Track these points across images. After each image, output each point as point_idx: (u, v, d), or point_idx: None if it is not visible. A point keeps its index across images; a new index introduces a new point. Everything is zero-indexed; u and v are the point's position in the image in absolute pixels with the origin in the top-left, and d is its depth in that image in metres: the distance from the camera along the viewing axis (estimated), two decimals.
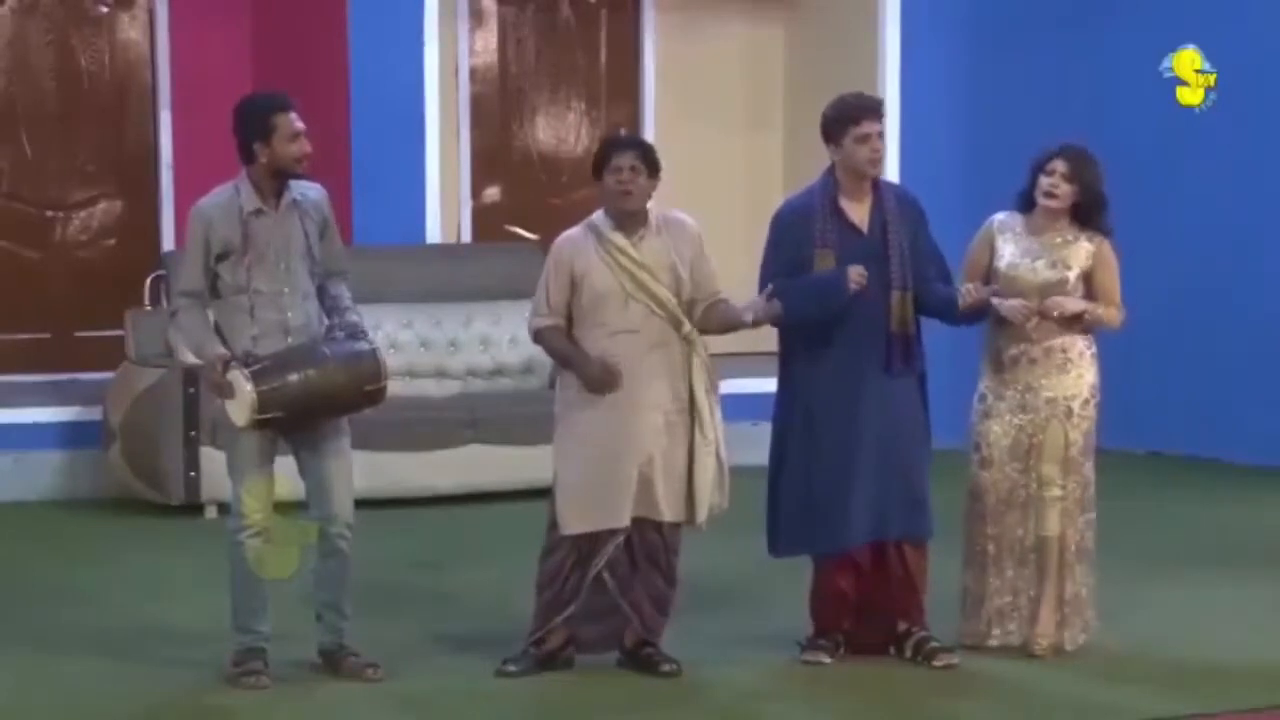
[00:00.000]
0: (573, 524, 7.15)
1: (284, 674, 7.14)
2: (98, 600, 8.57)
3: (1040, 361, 7.51)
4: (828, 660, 7.40)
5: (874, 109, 7.34)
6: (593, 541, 7.18)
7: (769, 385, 12.26)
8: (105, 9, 12.62)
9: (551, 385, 11.03)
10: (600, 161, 7.22)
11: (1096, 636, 7.65)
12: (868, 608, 7.47)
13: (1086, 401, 7.54)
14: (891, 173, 12.04)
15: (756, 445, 11.97)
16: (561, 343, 7.27)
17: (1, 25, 12.41)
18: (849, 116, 7.28)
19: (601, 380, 7.13)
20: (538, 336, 7.36)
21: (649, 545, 7.21)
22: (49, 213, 12.54)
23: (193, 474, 10.36)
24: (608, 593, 7.22)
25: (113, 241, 12.64)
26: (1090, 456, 7.60)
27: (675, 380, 7.20)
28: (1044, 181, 7.50)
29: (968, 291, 7.42)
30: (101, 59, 12.58)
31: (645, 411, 7.14)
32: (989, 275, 7.59)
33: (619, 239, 7.17)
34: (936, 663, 7.38)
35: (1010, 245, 7.52)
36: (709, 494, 7.24)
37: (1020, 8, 13.26)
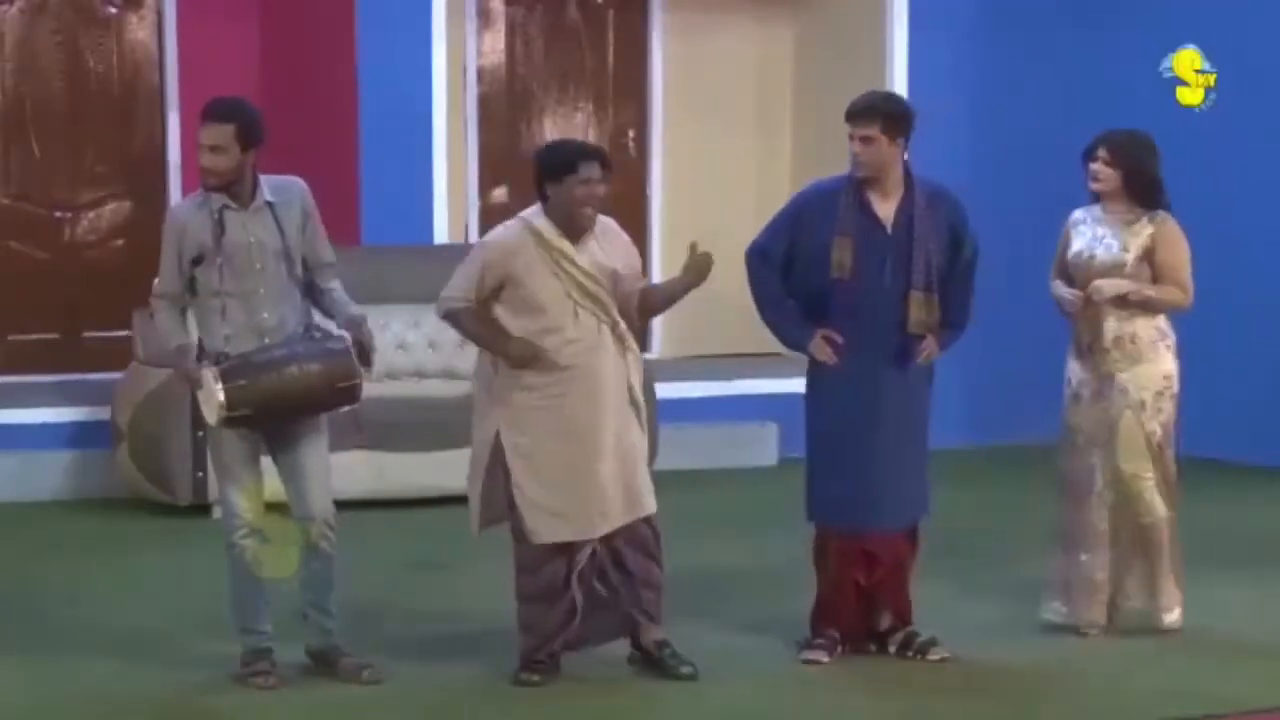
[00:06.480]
0: (547, 533, 7.08)
1: (283, 674, 7.15)
2: (105, 600, 8.60)
3: (1112, 350, 7.69)
4: (826, 659, 7.40)
5: (853, 114, 7.34)
6: (569, 550, 7.11)
7: (775, 385, 12.37)
8: (114, 10, 12.64)
9: None
10: (561, 168, 7.04)
11: (1106, 636, 7.76)
12: (870, 601, 7.49)
13: (1160, 393, 7.70)
14: None
15: (764, 445, 12.04)
16: (477, 324, 7.13)
17: (10, 26, 12.42)
18: (846, 117, 7.36)
19: (525, 357, 7.01)
20: (452, 317, 7.18)
21: (642, 540, 7.20)
22: (57, 213, 12.56)
23: (200, 474, 10.36)
24: (597, 592, 7.17)
25: (121, 242, 12.64)
26: (1171, 446, 7.77)
27: (620, 381, 7.16)
28: (1090, 169, 7.74)
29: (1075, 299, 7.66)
30: (110, 60, 12.59)
31: (607, 415, 7.10)
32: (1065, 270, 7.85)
33: (566, 246, 7.06)
34: (932, 657, 7.43)
35: (1081, 237, 7.76)
36: (650, 485, 7.26)
37: (1027, 9, 13.25)
